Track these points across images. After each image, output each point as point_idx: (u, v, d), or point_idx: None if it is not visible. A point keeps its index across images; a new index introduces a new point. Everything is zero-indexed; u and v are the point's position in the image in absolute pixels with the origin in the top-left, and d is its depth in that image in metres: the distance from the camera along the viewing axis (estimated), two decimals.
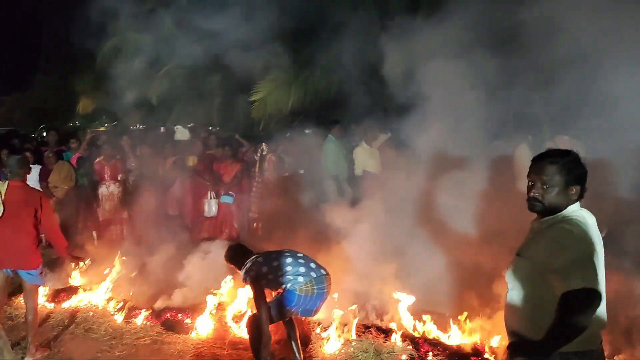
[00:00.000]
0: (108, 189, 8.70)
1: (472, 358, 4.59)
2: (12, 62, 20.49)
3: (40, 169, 8.70)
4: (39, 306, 5.47)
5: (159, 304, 6.07)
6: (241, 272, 4.67)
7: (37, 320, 5.14)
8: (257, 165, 9.03)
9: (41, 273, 5.08)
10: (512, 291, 2.57)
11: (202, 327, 5.49)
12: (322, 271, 4.49)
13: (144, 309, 5.89)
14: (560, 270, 2.34)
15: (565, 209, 2.54)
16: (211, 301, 5.92)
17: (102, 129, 12.95)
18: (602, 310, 2.38)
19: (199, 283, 6.38)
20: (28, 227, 4.85)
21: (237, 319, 5.59)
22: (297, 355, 4.56)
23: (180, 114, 12.70)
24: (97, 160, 8.86)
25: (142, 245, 7.22)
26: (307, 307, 4.34)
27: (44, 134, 11.34)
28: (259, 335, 4.27)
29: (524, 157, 6.73)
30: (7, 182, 4.92)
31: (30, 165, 5.19)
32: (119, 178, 8.84)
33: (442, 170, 6.15)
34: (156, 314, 5.80)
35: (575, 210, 2.53)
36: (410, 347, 4.79)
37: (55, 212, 8.39)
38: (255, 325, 4.36)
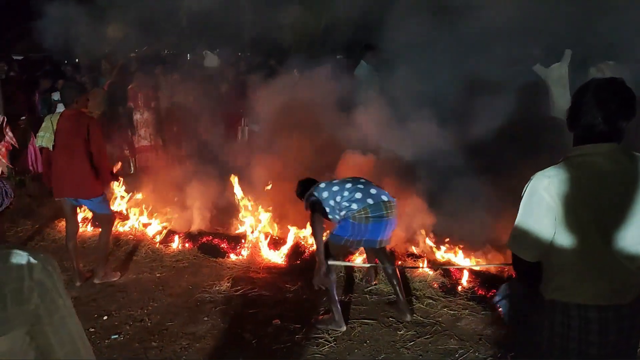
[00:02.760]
0: (142, 116, 8.77)
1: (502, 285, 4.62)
2: None
3: None
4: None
5: (195, 229, 6.26)
6: (304, 200, 4.49)
7: (107, 250, 5.20)
8: None
9: (104, 201, 5.04)
10: None
11: (238, 252, 5.66)
12: (384, 197, 4.17)
13: (182, 234, 6.09)
14: None
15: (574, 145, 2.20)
16: (247, 226, 6.07)
17: (132, 55, 12.83)
18: (584, 265, 2.08)
19: (233, 208, 6.51)
20: (81, 154, 4.75)
21: (272, 244, 5.74)
22: (397, 291, 4.37)
23: (210, 40, 12.47)
24: (130, 86, 8.88)
25: (177, 171, 7.33)
26: (365, 236, 4.10)
27: (76, 60, 11.32)
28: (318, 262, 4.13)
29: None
30: (60, 112, 4.95)
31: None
32: (152, 105, 8.87)
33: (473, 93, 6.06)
34: (193, 239, 5.99)
35: (575, 155, 2.14)
36: (442, 274, 4.87)
37: None
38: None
